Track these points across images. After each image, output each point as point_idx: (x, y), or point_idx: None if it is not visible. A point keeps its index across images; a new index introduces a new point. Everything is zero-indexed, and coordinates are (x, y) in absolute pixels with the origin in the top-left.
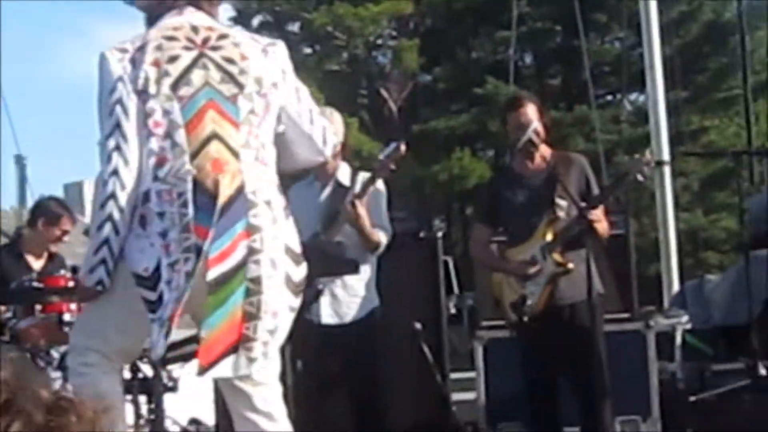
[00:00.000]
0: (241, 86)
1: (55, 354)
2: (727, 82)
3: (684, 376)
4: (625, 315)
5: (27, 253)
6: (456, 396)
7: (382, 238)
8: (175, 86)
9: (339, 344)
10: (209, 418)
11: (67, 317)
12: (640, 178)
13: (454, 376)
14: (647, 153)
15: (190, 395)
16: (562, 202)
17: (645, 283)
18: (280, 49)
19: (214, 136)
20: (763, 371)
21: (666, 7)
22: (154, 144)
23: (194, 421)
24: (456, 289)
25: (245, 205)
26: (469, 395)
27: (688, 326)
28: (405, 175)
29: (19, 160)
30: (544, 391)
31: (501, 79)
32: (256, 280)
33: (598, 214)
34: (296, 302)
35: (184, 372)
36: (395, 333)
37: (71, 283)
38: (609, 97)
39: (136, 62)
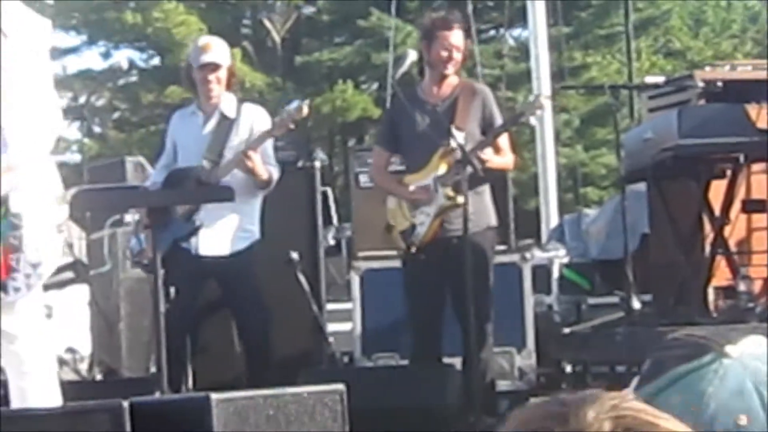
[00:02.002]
0: (4, 35)
1: None
2: (610, 19)
3: (560, 309)
4: (502, 247)
5: None
6: (333, 327)
7: (273, 173)
8: None
9: (216, 274)
10: (86, 347)
11: None
12: (533, 121)
13: (331, 306)
14: (543, 98)
15: (66, 323)
16: (459, 134)
17: (524, 216)
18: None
19: None
20: (636, 305)
21: None
22: None
23: (70, 350)
24: (335, 221)
25: (3, 144)
26: (347, 326)
27: (566, 260)
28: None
29: None
30: (428, 320)
31: (385, 12)
32: (18, 216)
33: (499, 146)
34: (58, 238)
35: (58, 299)
36: (272, 262)
37: None
38: (492, 32)
39: None
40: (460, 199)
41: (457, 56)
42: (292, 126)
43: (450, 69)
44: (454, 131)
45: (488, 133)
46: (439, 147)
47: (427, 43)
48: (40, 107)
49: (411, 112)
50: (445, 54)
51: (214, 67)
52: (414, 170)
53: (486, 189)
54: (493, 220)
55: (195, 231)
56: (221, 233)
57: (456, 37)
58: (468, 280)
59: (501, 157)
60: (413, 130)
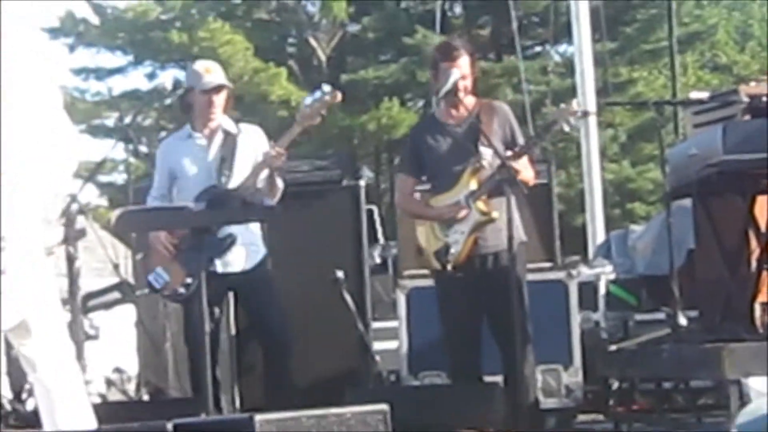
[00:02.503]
0: None
1: None
2: (656, 34)
3: (607, 326)
4: (548, 264)
5: None
6: (379, 345)
7: (280, 184)
8: None
9: (244, 291)
10: (132, 366)
11: None
12: (566, 127)
13: (377, 325)
14: (574, 103)
15: (113, 344)
16: (486, 151)
17: (572, 233)
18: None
19: None
20: (683, 321)
21: None
22: None
23: (117, 370)
24: (381, 238)
25: None
26: (393, 344)
27: (612, 276)
28: (333, 124)
29: None
30: (466, 339)
31: (430, 29)
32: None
33: (522, 163)
34: (47, 261)
35: (106, 320)
36: (318, 281)
37: None
38: (538, 48)
39: None
40: (495, 214)
41: (464, 83)
42: (323, 113)
43: (460, 95)
44: (482, 148)
45: (521, 144)
46: (466, 166)
47: (434, 73)
48: (33, 130)
49: (433, 135)
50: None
51: (219, 88)
52: (440, 192)
53: (512, 203)
54: (523, 235)
55: (231, 245)
56: (237, 249)
57: (460, 66)
58: (506, 296)
59: (524, 172)
60: (437, 153)
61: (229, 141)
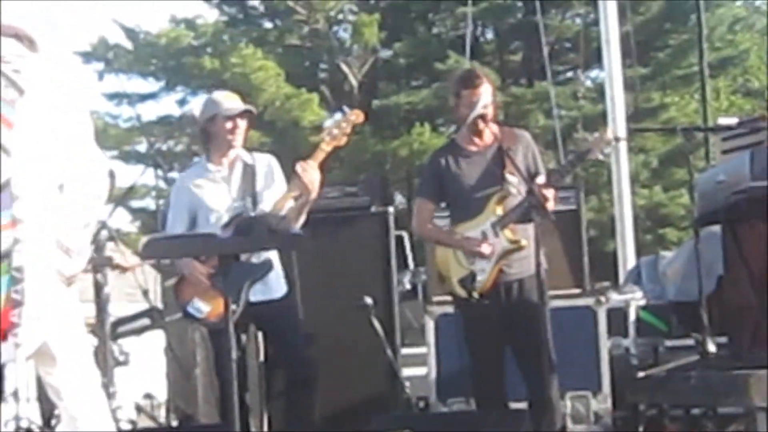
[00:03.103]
0: (21, 91)
1: None
2: (688, 59)
3: (637, 352)
4: (577, 291)
5: None
6: (409, 371)
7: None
8: None
9: (263, 320)
10: (162, 393)
11: None
12: (600, 156)
13: (406, 351)
14: (608, 131)
15: (143, 370)
16: (513, 179)
17: (603, 259)
18: (75, 80)
19: None
20: (712, 348)
21: None
22: None
23: (147, 396)
24: (411, 264)
25: (10, 198)
26: (422, 371)
27: (643, 302)
28: (364, 150)
29: None
30: (491, 366)
31: (462, 55)
32: (20, 269)
33: (551, 192)
34: (68, 292)
35: (135, 346)
36: (346, 307)
37: None
38: (569, 74)
39: None
40: (524, 242)
41: (485, 111)
42: (348, 132)
43: (481, 125)
44: (508, 175)
45: (541, 171)
46: (492, 193)
47: (457, 101)
48: (61, 159)
49: (456, 161)
50: (471, 109)
51: (243, 114)
52: (464, 219)
53: (531, 232)
54: (545, 262)
55: (268, 272)
56: (266, 278)
57: (481, 93)
58: (530, 323)
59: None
60: (460, 179)
61: (249, 171)
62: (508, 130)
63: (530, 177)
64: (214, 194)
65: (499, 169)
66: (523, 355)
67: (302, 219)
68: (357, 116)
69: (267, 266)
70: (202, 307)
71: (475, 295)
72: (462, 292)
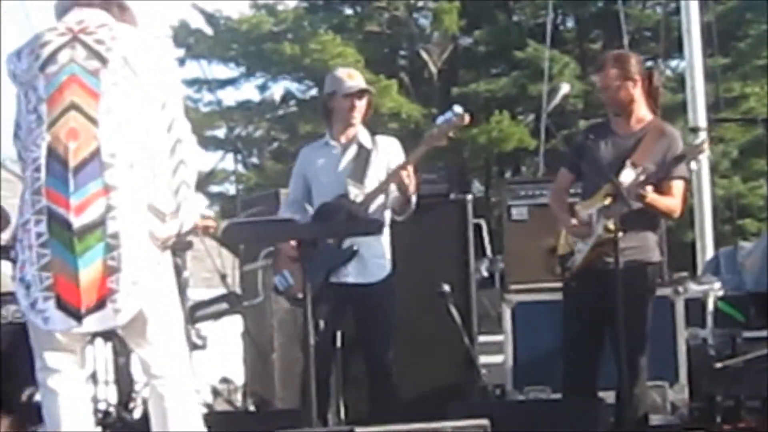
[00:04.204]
0: (104, 60)
1: None
2: None
3: (714, 343)
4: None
5: None
6: (486, 359)
7: (413, 201)
8: (43, 66)
9: (361, 304)
10: (239, 377)
11: None
12: (693, 165)
13: (483, 339)
14: (705, 143)
15: (220, 354)
16: (631, 170)
17: (681, 249)
18: (162, 44)
19: (73, 106)
20: None
21: None
22: (28, 118)
23: (224, 380)
24: (489, 252)
25: (101, 166)
26: (499, 358)
27: (721, 292)
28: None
29: None
30: (583, 352)
31: (542, 43)
32: (115, 235)
33: (650, 192)
34: (163, 257)
35: (213, 330)
36: (424, 295)
37: None
38: (649, 63)
39: (20, 55)
40: (620, 234)
41: (606, 93)
42: (451, 134)
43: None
44: (627, 165)
45: (651, 173)
46: (610, 180)
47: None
48: (149, 128)
49: (599, 140)
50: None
51: (362, 93)
52: (586, 197)
53: (652, 231)
54: (654, 257)
55: (351, 257)
56: (363, 261)
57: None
58: (620, 313)
59: (666, 200)
60: (597, 159)
61: (363, 153)
62: (658, 122)
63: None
64: (324, 169)
65: (627, 157)
66: (618, 342)
67: (409, 209)
68: (464, 119)
69: (348, 253)
70: (288, 279)
71: (567, 274)
72: (559, 270)
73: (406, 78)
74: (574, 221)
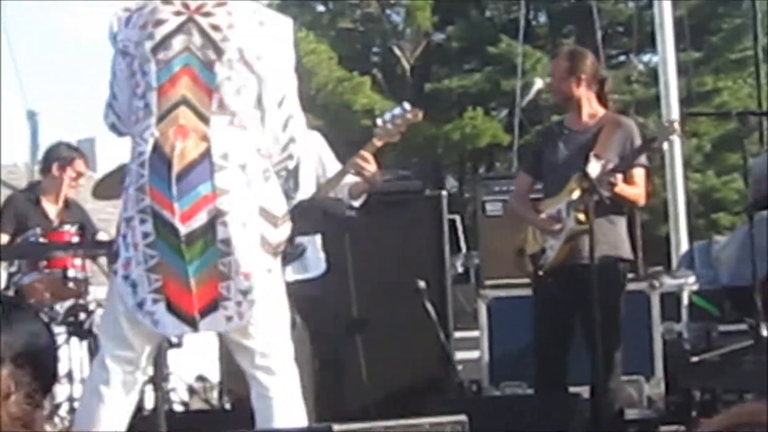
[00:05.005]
0: (220, 52)
1: (59, 309)
2: (742, 43)
3: (690, 337)
4: (631, 275)
5: (44, 199)
6: (461, 355)
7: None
8: (155, 49)
9: (302, 300)
10: (215, 375)
11: (71, 273)
12: (665, 146)
13: (459, 334)
14: (675, 123)
15: (196, 352)
16: (596, 162)
17: (655, 243)
18: (280, 26)
19: (184, 101)
20: (765, 332)
21: None
22: (134, 103)
23: (200, 378)
24: (464, 248)
25: (210, 168)
26: (474, 354)
27: (696, 287)
28: (417, 133)
29: (31, 116)
30: (554, 348)
31: (515, 38)
32: (227, 242)
33: (619, 177)
34: (274, 263)
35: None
36: (399, 290)
37: (75, 239)
38: (622, 58)
39: (129, 22)
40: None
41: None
42: (402, 130)
43: (555, 98)
44: (592, 158)
45: (621, 160)
46: (574, 174)
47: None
48: (261, 126)
49: (556, 140)
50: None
51: None
52: (549, 195)
53: (621, 220)
54: (625, 253)
55: (301, 254)
56: (309, 256)
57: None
58: (595, 308)
59: (632, 189)
60: (555, 157)
61: None
62: (613, 115)
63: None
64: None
65: (588, 150)
66: (591, 337)
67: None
68: (415, 116)
69: (299, 249)
70: None
71: (541, 272)
72: (531, 268)
73: (379, 74)
74: (543, 215)
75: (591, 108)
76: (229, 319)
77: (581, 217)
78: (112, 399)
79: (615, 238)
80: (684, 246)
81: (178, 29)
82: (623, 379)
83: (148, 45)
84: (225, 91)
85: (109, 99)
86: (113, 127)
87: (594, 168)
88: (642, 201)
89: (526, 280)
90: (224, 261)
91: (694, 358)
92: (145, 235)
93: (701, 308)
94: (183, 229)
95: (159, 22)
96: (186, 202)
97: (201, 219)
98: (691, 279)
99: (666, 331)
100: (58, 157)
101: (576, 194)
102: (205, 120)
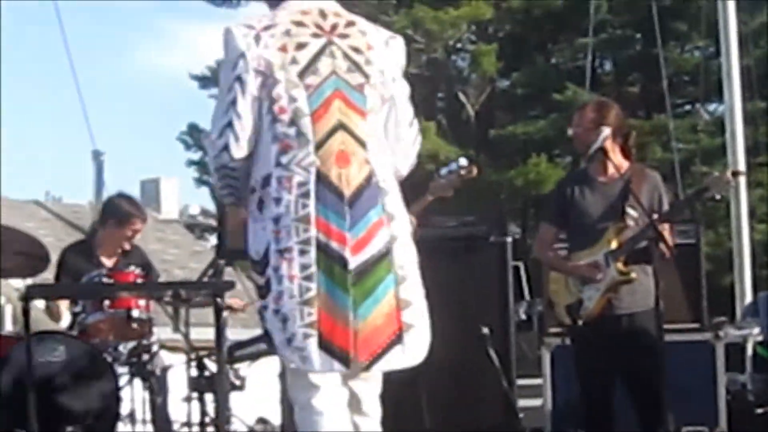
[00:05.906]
0: (367, 76)
1: (123, 349)
2: None
3: (754, 388)
4: (695, 325)
5: (100, 252)
6: (524, 402)
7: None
8: (302, 74)
9: None
10: (276, 418)
11: (135, 313)
12: (717, 196)
13: (522, 382)
14: (728, 172)
15: (258, 394)
16: (633, 212)
17: (720, 293)
18: (399, 44)
19: (341, 126)
20: None
21: (746, 17)
22: (278, 129)
23: (261, 420)
24: (527, 295)
25: (377, 192)
26: (537, 402)
27: (760, 337)
28: (481, 179)
29: (96, 156)
30: (599, 399)
31: (580, 86)
32: (403, 267)
33: (665, 228)
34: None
35: (251, 371)
36: (463, 337)
37: (140, 280)
38: (687, 107)
39: (260, 41)
40: (633, 275)
41: (602, 138)
42: (458, 185)
43: (599, 153)
44: (629, 209)
45: (671, 207)
46: (608, 226)
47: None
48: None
49: (582, 190)
50: (593, 139)
51: None
52: (581, 248)
53: (651, 270)
54: (653, 302)
55: None
56: None
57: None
58: (642, 358)
59: (670, 238)
60: (584, 207)
61: None
62: (638, 166)
63: (651, 213)
64: None
65: (622, 201)
66: (633, 389)
67: None
68: (470, 172)
69: None
70: None
71: (580, 322)
72: (567, 320)
73: (444, 120)
74: (582, 262)
75: (616, 159)
76: (409, 350)
77: (623, 267)
78: (330, 415)
79: (648, 287)
80: (748, 296)
81: (321, 52)
82: (688, 430)
83: (294, 70)
84: (374, 114)
85: (229, 119)
86: (225, 148)
87: (635, 218)
88: (670, 249)
89: None
90: (405, 286)
91: (759, 410)
92: (304, 267)
93: (766, 359)
94: (352, 261)
95: (300, 46)
96: (358, 231)
97: (375, 246)
98: (756, 330)
99: (730, 382)
100: (116, 214)
101: (614, 244)
102: (362, 144)
